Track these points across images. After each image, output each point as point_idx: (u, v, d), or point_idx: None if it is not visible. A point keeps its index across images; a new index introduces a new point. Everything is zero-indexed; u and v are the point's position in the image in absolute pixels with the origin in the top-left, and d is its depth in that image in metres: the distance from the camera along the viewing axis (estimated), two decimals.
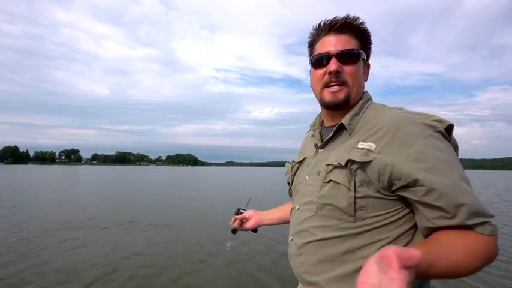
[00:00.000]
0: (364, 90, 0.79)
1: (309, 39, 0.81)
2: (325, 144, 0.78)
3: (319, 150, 0.79)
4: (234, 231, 1.09)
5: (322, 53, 0.73)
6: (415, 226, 0.65)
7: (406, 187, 0.61)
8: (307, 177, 0.79)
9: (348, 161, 0.68)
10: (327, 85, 0.74)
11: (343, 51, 0.71)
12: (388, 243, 0.64)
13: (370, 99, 0.78)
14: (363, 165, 0.65)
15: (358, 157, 0.66)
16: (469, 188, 0.58)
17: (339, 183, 0.68)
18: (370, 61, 0.80)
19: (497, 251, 0.58)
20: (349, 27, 0.73)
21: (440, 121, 0.64)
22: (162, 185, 19.82)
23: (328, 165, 0.72)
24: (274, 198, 11.15)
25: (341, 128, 0.74)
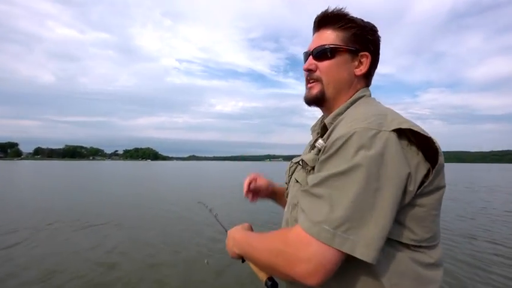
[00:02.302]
0: (362, 86, 0.74)
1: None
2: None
3: (311, 150, 0.77)
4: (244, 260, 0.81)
5: (304, 52, 0.77)
6: None
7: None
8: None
9: (302, 161, 0.68)
10: (308, 82, 0.76)
11: (314, 49, 0.73)
12: None
13: (363, 96, 0.72)
14: (313, 167, 0.64)
15: (309, 157, 0.67)
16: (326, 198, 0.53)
17: (300, 184, 0.68)
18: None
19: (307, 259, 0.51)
20: (328, 20, 0.72)
21: (393, 124, 0.56)
22: (120, 181, 18.40)
23: (297, 163, 0.72)
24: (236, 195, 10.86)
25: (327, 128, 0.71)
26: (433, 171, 0.56)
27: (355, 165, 0.51)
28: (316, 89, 0.73)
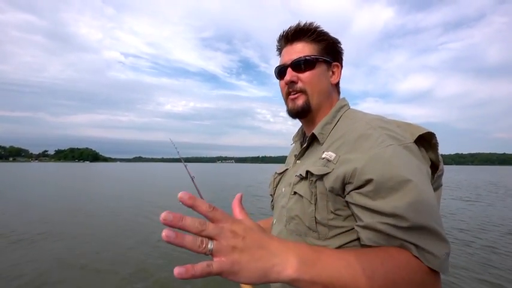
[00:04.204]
0: (341, 96, 0.81)
1: (277, 53, 0.83)
2: (302, 154, 0.78)
3: (297, 161, 0.79)
4: None
5: (280, 65, 0.78)
6: None
7: (356, 189, 0.56)
8: (283, 189, 0.79)
9: (307, 172, 0.66)
10: (288, 94, 0.77)
11: (294, 60, 0.74)
12: None
13: (345, 105, 0.77)
14: (321, 177, 0.62)
15: (316, 169, 0.64)
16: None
17: (302, 196, 0.67)
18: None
19: None
20: (302, 34, 0.74)
21: (410, 133, 0.61)
22: (47, 185, 14.83)
23: (296, 176, 0.70)
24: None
25: (315, 138, 0.73)
26: (435, 177, 0.60)
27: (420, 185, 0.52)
28: (301, 100, 0.74)
